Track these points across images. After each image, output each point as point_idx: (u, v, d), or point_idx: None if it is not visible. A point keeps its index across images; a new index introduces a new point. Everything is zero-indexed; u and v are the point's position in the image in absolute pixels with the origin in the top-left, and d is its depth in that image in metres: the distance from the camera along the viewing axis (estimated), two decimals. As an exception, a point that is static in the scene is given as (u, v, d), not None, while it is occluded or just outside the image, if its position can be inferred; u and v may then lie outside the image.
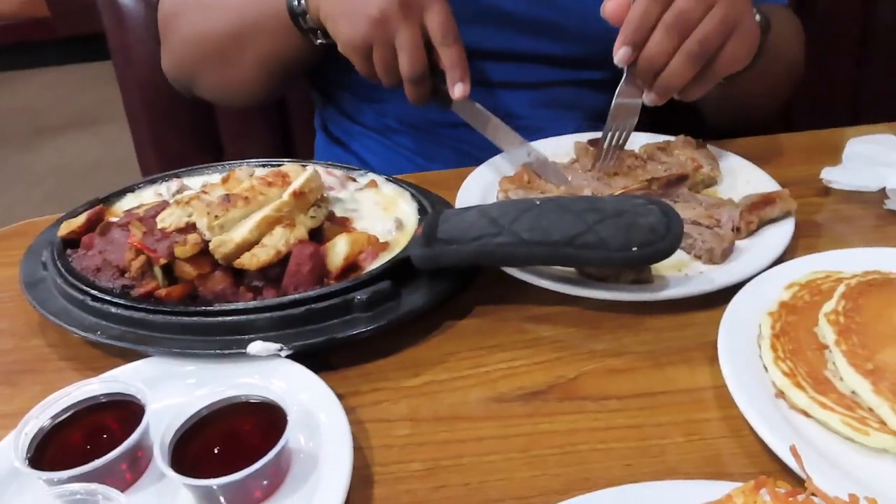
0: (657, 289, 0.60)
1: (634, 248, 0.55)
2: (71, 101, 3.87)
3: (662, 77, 0.69)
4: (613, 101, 0.74)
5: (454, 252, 0.58)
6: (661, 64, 0.68)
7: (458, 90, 0.74)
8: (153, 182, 0.75)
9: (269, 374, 0.53)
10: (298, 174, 0.65)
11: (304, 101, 1.26)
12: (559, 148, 0.82)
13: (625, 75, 0.72)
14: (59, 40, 4.16)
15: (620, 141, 0.75)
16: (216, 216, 0.60)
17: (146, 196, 0.74)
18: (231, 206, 0.61)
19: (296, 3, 0.78)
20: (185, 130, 1.32)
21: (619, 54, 0.69)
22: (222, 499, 0.45)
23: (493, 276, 0.63)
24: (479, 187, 0.75)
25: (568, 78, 0.92)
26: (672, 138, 0.81)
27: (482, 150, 0.89)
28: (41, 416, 0.49)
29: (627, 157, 0.78)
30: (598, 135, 0.83)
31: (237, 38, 0.86)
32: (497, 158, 0.80)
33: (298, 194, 0.62)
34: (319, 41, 0.80)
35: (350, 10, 0.73)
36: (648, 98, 0.71)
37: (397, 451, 0.50)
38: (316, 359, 0.56)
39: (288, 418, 0.46)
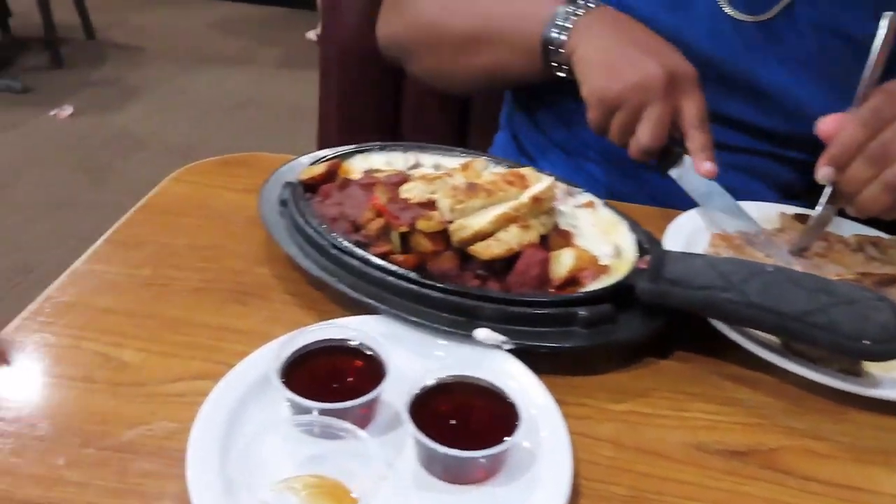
0: (867, 384, 0.60)
1: (866, 342, 0.55)
2: (232, 35, 4.08)
3: (859, 201, 0.70)
4: (817, 216, 0.75)
5: (680, 295, 0.60)
6: (859, 190, 0.70)
7: (707, 166, 0.76)
8: (383, 149, 0.80)
9: (491, 365, 0.56)
10: (536, 180, 0.68)
11: (488, 97, 1.29)
12: (758, 213, 0.82)
13: (828, 195, 0.74)
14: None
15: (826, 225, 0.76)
16: (460, 200, 0.64)
17: (375, 160, 0.78)
18: (474, 195, 0.65)
19: (554, 34, 0.80)
20: (370, 94, 1.38)
21: (822, 172, 0.71)
22: (445, 467, 0.48)
23: (698, 325, 0.64)
24: (684, 233, 0.76)
25: (766, 150, 0.92)
26: (884, 235, 0.80)
27: (669, 197, 0.91)
28: (293, 343, 0.53)
29: (836, 242, 0.77)
30: (803, 210, 0.84)
31: (474, 42, 0.88)
32: (699, 211, 0.80)
33: (536, 199, 0.65)
34: (562, 75, 0.82)
35: (612, 64, 0.76)
36: (850, 211, 0.73)
37: (602, 470, 0.52)
38: (528, 360, 0.59)
39: (520, 415, 0.49)
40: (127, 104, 3.16)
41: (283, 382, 0.50)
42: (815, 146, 0.92)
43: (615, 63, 0.76)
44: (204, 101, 3.27)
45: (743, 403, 0.60)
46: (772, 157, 0.93)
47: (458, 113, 1.38)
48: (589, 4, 0.82)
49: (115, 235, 0.73)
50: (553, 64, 0.82)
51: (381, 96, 1.38)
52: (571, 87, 0.81)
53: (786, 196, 0.95)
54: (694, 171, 0.77)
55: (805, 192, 0.96)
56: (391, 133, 1.40)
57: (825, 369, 0.60)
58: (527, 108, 1.04)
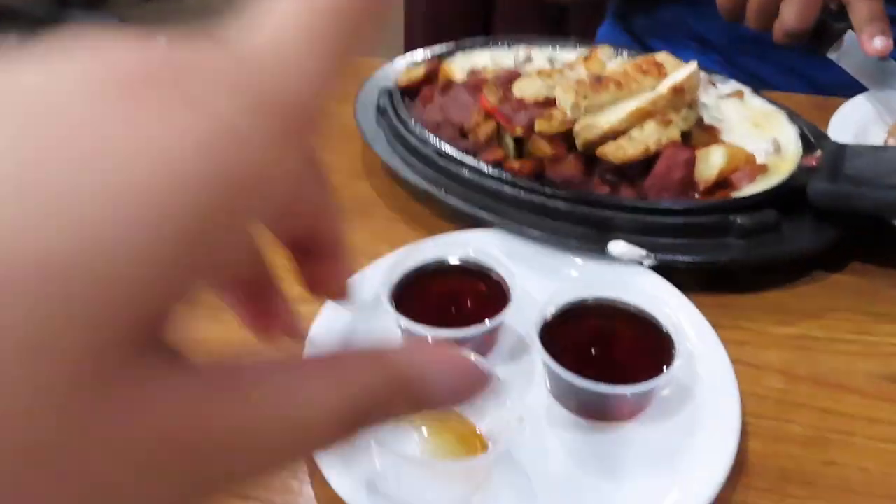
0: None
1: None
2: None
3: None
4: None
5: (868, 195, 0.49)
6: None
7: (878, 43, 0.61)
8: (486, 45, 0.71)
9: (631, 284, 0.48)
10: (675, 67, 0.57)
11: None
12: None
13: None
14: None
15: None
16: (584, 96, 0.54)
17: (479, 59, 0.69)
18: (602, 89, 0.55)
19: None
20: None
21: None
22: (582, 400, 0.41)
23: (877, 231, 0.53)
24: (852, 124, 0.63)
25: None
26: None
27: (831, 87, 0.77)
28: (405, 263, 0.47)
29: None
30: None
31: None
32: (871, 95, 0.67)
33: (678, 90, 0.55)
34: None
35: None
36: None
37: (772, 405, 0.44)
38: (671, 277, 0.50)
39: (676, 345, 0.41)
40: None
41: (395, 307, 0.44)
42: None
43: None
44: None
45: (943, 325, 0.49)
46: None
47: (557, 8, 1.25)
48: None
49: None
50: None
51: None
52: None
53: None
54: (860, 49, 0.64)
55: None
56: (483, 34, 1.30)
57: None
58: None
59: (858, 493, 0.39)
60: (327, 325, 0.46)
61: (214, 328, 0.22)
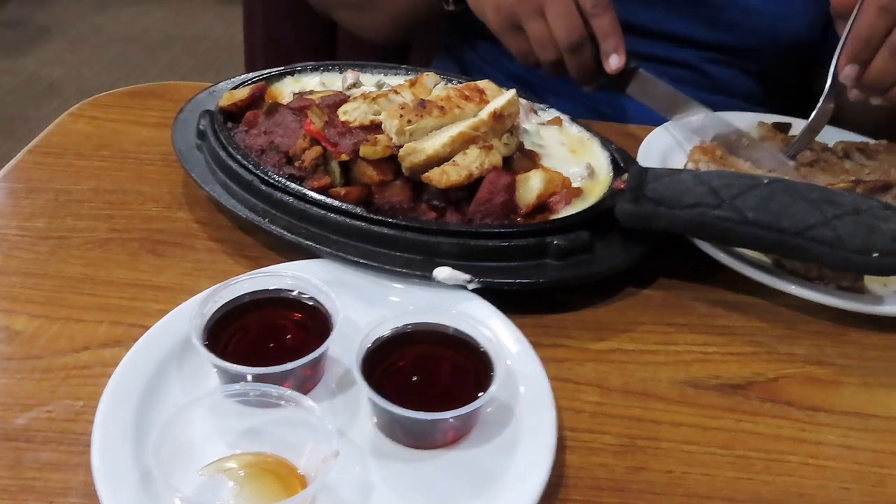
0: (870, 301, 0.54)
1: (876, 255, 0.50)
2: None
3: (890, 95, 0.65)
4: (811, 119, 0.69)
5: (666, 215, 0.53)
6: (888, 84, 0.65)
7: (613, 61, 0.68)
8: (317, 69, 0.70)
9: (454, 308, 0.48)
10: (496, 93, 0.59)
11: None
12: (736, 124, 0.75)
13: (831, 81, 0.67)
14: None
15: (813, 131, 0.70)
16: (409, 121, 0.55)
17: (309, 82, 0.68)
18: (426, 114, 0.55)
19: None
20: (300, 28, 1.25)
21: (846, 72, 0.66)
22: (408, 431, 0.41)
23: (679, 248, 0.58)
24: (658, 149, 0.69)
25: (720, 61, 0.86)
26: (870, 140, 0.74)
27: (618, 113, 0.85)
28: (217, 297, 0.44)
29: (822, 151, 0.71)
30: (782, 118, 0.77)
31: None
32: (672, 125, 0.73)
33: (498, 116, 0.56)
34: (450, 8, 0.79)
35: None
36: (875, 101, 0.67)
37: (587, 419, 0.46)
38: (495, 300, 0.51)
39: (494, 365, 0.41)
40: (35, 47, 2.89)
41: (207, 346, 0.42)
42: (772, 56, 0.86)
43: None
44: (121, 41, 3.02)
45: (735, 331, 0.54)
46: (727, 65, 0.86)
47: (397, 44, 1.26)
48: None
49: (2, 183, 0.62)
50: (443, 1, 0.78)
51: (312, 23, 1.26)
52: None
53: (750, 105, 0.88)
54: (651, 83, 0.70)
55: (768, 100, 0.91)
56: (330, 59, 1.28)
57: (822, 287, 0.55)
58: (463, 36, 0.95)
59: (663, 495, 0.42)
60: (130, 371, 0.42)
61: None
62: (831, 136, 0.73)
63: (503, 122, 0.57)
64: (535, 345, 0.48)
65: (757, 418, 0.47)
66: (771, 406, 0.48)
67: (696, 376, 0.50)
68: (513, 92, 0.58)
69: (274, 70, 0.69)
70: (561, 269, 0.52)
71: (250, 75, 0.67)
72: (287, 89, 0.67)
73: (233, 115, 0.63)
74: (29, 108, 2.42)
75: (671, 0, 0.81)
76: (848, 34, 0.64)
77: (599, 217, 0.55)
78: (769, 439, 0.46)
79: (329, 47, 1.26)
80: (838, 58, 0.66)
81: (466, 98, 0.58)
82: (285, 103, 0.62)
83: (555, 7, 0.66)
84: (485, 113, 0.56)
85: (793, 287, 0.54)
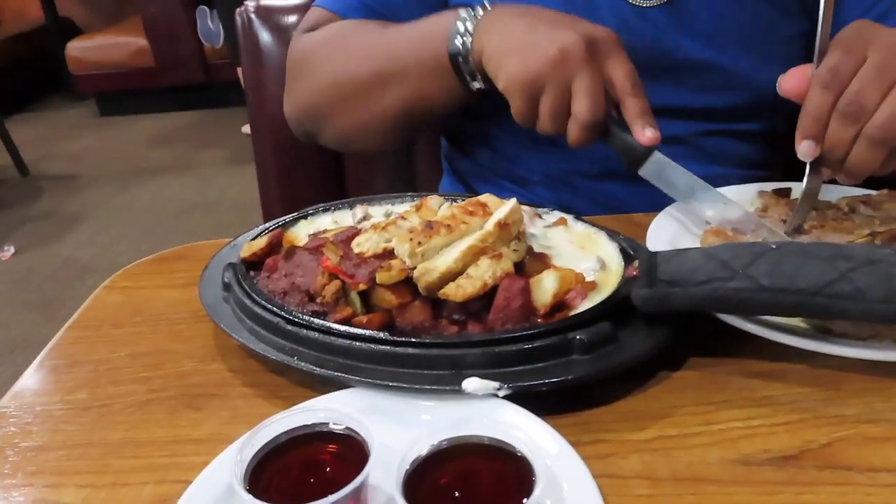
0: (905, 349, 0.53)
1: (900, 302, 0.49)
2: (167, 145, 4.04)
3: (848, 164, 0.65)
4: (804, 190, 0.69)
5: (682, 295, 0.53)
6: (844, 152, 0.64)
7: (649, 133, 0.68)
8: (328, 210, 0.74)
9: (488, 417, 0.48)
10: (498, 205, 0.62)
11: (428, 144, 1.25)
12: (735, 197, 0.77)
13: (808, 164, 0.68)
14: (162, 89, 4.39)
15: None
16: (419, 243, 0.57)
17: (322, 223, 0.72)
18: (434, 234, 0.58)
19: (459, 44, 0.74)
20: (310, 171, 1.33)
21: (802, 149, 0.66)
22: (459, 551, 0.40)
23: (706, 326, 0.58)
24: (666, 235, 0.70)
25: (713, 129, 0.88)
26: (871, 191, 0.75)
27: (619, 202, 0.86)
28: (255, 441, 0.45)
29: (828, 209, 0.72)
30: (780, 185, 0.79)
31: (384, 80, 0.82)
32: (674, 208, 0.75)
33: (503, 225, 0.59)
34: (477, 85, 0.75)
35: (525, 46, 0.69)
36: (841, 180, 0.68)
37: (641, 513, 0.44)
38: (527, 403, 0.51)
39: (535, 470, 0.41)
40: (68, 233, 3.06)
41: (249, 490, 0.42)
42: (760, 114, 0.88)
43: (527, 44, 0.68)
44: (147, 215, 3.20)
45: (778, 401, 0.53)
46: (720, 134, 0.89)
47: (406, 169, 1.33)
48: (486, 4, 0.75)
49: (44, 362, 0.65)
50: (468, 78, 0.75)
51: (321, 172, 1.33)
52: (499, 116, 0.75)
53: (749, 171, 0.90)
54: (665, 165, 0.71)
55: (767, 163, 0.93)
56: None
57: (856, 342, 0.54)
58: (462, 148, 0.99)
59: (736, 585, 0.40)
60: (179, 524, 0.42)
61: None
62: (834, 193, 0.75)
63: (509, 231, 0.59)
64: (575, 443, 0.48)
65: (816, 488, 0.45)
66: (829, 473, 0.46)
67: (746, 453, 0.48)
68: (513, 200, 0.61)
69: (288, 217, 0.72)
70: (588, 364, 0.52)
71: (266, 225, 0.71)
72: (302, 232, 0.70)
73: (254, 263, 0.66)
74: (66, 290, 2.53)
75: (649, 70, 0.82)
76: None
77: (618, 307, 0.55)
78: (834, 508, 0.44)
79: (338, 185, 1.33)
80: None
81: (470, 213, 0.60)
82: (302, 245, 0.65)
83: (585, 82, 0.66)
84: (490, 224, 0.59)
85: (831, 347, 0.53)
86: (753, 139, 0.91)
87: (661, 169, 0.71)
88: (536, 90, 0.69)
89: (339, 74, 0.86)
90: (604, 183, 0.89)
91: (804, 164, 0.69)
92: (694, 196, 0.72)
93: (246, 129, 4.00)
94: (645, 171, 0.72)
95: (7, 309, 2.51)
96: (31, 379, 0.62)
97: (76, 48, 4.37)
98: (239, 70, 3.32)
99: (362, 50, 0.84)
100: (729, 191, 0.78)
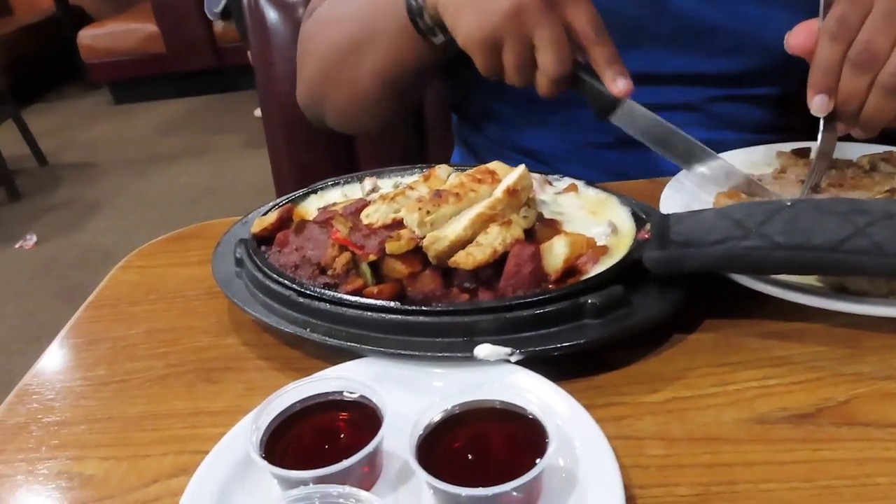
0: (926, 305, 0.52)
1: (919, 255, 0.48)
2: (182, 131, 4.06)
3: (863, 116, 0.63)
4: (819, 148, 0.67)
5: (694, 255, 0.53)
6: (859, 103, 0.63)
7: (621, 84, 0.66)
8: (338, 184, 0.73)
9: (501, 382, 0.48)
10: (507, 172, 0.61)
11: (439, 122, 1.25)
12: (748, 160, 0.76)
13: (822, 121, 0.66)
14: (174, 75, 4.40)
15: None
16: (428, 212, 0.57)
17: (332, 197, 0.72)
18: (443, 202, 0.58)
19: (413, 1, 0.72)
20: (321, 150, 1.32)
21: (815, 104, 0.64)
22: (474, 512, 0.40)
23: (721, 287, 0.57)
24: (679, 199, 0.69)
25: (722, 94, 0.87)
26: (893, 148, 0.73)
27: (631, 171, 0.85)
28: (269, 410, 0.45)
29: (848, 168, 0.71)
30: (799, 144, 0.77)
31: (357, 48, 0.81)
32: (685, 175, 0.73)
33: (512, 192, 0.58)
34: (439, 39, 0.73)
35: (477, 1, 0.66)
36: (857, 134, 0.66)
37: (656, 473, 0.44)
38: (539, 368, 0.51)
39: (548, 431, 0.41)
40: (89, 221, 3.10)
41: (265, 457, 0.42)
42: (772, 77, 0.86)
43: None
44: (164, 200, 3.22)
45: (794, 360, 0.52)
46: (732, 99, 0.87)
47: (417, 147, 1.33)
48: None
49: (64, 341, 0.66)
50: (428, 33, 0.73)
51: (333, 151, 1.33)
52: (503, 93, 0.75)
53: (762, 135, 0.89)
54: (635, 113, 0.69)
55: (781, 127, 0.91)
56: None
57: (874, 299, 0.53)
58: (472, 123, 0.98)
59: (751, 542, 0.39)
60: (196, 496, 0.43)
61: None
62: (855, 151, 0.73)
63: (518, 197, 0.59)
64: (590, 406, 0.48)
65: (835, 444, 0.45)
66: (847, 430, 0.46)
67: (762, 412, 0.48)
68: (522, 167, 0.60)
69: (298, 192, 0.73)
70: (600, 328, 0.52)
71: (276, 200, 0.71)
72: (312, 206, 0.70)
73: (265, 239, 0.66)
74: (88, 276, 2.57)
75: (659, 38, 0.80)
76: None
77: (630, 270, 0.55)
78: (852, 464, 0.43)
79: (350, 160, 1.33)
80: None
81: (479, 181, 0.60)
82: (311, 219, 0.65)
83: (546, 34, 0.65)
84: (499, 191, 0.58)
85: (846, 304, 0.52)
86: (766, 103, 0.89)
87: (632, 115, 0.69)
88: (495, 46, 0.67)
89: (322, 51, 0.86)
90: (614, 152, 0.87)
91: (818, 126, 0.68)
92: (667, 143, 0.71)
93: (258, 112, 4.01)
94: (617, 119, 0.70)
95: (32, 297, 2.56)
96: (51, 357, 0.63)
97: (88, 36, 4.39)
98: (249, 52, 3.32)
99: (336, 23, 0.85)
100: (743, 152, 0.77)
